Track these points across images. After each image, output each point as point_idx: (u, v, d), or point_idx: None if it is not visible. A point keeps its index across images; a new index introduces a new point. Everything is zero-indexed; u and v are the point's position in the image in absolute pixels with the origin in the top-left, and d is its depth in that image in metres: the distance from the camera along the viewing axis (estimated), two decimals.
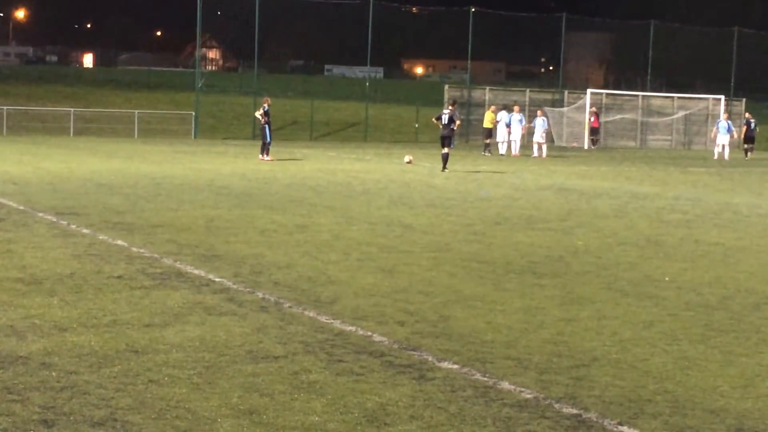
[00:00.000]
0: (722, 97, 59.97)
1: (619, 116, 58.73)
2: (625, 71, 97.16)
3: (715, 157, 47.45)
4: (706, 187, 28.44)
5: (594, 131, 54.05)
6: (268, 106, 34.76)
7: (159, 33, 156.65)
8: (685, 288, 11.66)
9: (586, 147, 53.49)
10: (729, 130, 47.79)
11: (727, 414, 6.88)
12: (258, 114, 35.09)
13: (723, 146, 47.26)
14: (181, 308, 9.62)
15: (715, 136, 48.29)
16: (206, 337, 8.49)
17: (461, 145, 49.72)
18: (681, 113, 60.30)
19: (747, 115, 49.62)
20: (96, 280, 10.93)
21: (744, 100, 62.52)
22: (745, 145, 48.88)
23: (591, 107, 54.25)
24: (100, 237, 14.20)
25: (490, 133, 44.41)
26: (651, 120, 59.44)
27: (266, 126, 33.97)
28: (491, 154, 43.16)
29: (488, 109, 45.90)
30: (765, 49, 71.42)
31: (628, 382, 7.56)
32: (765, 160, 45.14)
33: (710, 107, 60.60)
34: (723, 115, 50.25)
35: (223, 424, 6.32)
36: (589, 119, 53.78)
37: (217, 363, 7.71)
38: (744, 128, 49.04)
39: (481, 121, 55.09)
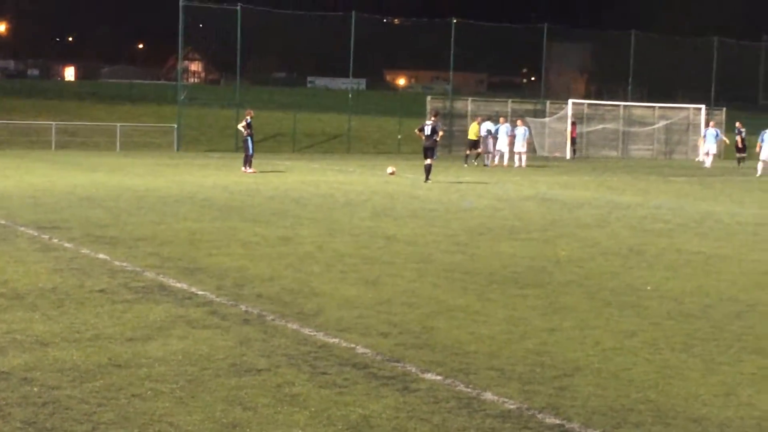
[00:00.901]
0: (703, 106, 60.25)
1: (600, 126, 58.92)
2: (606, 81, 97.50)
3: (707, 165, 47.69)
4: (687, 197, 28.55)
5: (572, 141, 54.32)
6: (251, 118, 34.76)
7: (141, 46, 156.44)
8: (667, 297, 11.70)
9: (568, 157, 53.66)
10: (717, 138, 48.10)
11: (709, 422, 6.91)
12: (240, 126, 35.07)
13: (711, 154, 47.58)
14: (164, 322, 9.60)
15: (702, 144, 48.61)
16: (189, 351, 8.48)
17: (444, 156, 49.77)
18: (662, 123, 60.53)
19: (738, 124, 49.73)
20: (78, 294, 10.90)
21: (724, 109, 62.80)
22: (738, 155, 48.88)
23: (571, 117, 54.51)
24: (83, 251, 14.16)
25: (476, 144, 44.39)
26: (632, 130, 59.64)
27: (249, 138, 33.96)
28: (477, 164, 43.17)
29: (474, 120, 45.87)
30: (745, 58, 71.89)
31: (611, 392, 7.59)
32: (751, 169, 45.28)
33: (691, 117, 60.85)
34: (711, 123, 50.43)
35: None
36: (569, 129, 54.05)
37: (200, 376, 7.70)
38: (738, 138, 48.99)
39: (465, 132, 55.32)
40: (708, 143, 48.32)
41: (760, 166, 42.41)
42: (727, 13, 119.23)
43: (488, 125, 44.58)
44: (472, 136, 44.53)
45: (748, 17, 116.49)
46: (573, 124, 54.63)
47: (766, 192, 31.53)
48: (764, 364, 8.59)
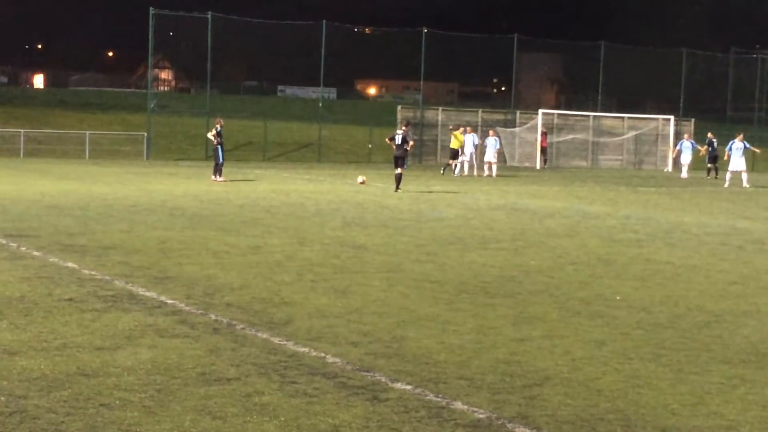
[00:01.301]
0: (672, 117, 60.67)
1: (570, 136, 59.22)
2: (576, 92, 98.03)
3: (684, 176, 48.10)
4: (656, 207, 28.71)
5: (543, 151, 54.57)
6: (221, 127, 34.73)
7: (111, 53, 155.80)
8: (636, 307, 11.75)
9: (538, 167, 53.89)
10: (693, 148, 48.57)
11: (677, 431, 6.95)
12: (210, 135, 35.00)
13: (686, 166, 48.05)
14: (133, 331, 9.55)
15: (678, 156, 49.02)
16: (158, 360, 8.43)
17: (415, 166, 49.85)
18: (631, 133, 60.90)
19: (710, 135, 50.14)
20: (46, 302, 10.82)
21: (693, 120, 63.26)
22: (709, 165, 49.17)
23: (541, 128, 54.79)
24: (51, 259, 14.06)
25: (456, 154, 44.34)
26: (602, 140, 59.97)
27: (219, 147, 33.93)
28: (459, 175, 43.13)
29: (456, 130, 45.80)
30: (713, 70, 72.44)
31: (580, 401, 7.61)
32: (720, 180, 45.65)
33: (660, 127, 61.26)
34: (686, 135, 50.77)
35: None
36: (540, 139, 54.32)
37: (169, 386, 7.66)
38: (706, 148, 49.36)
39: (435, 141, 55.42)
40: (684, 155, 48.85)
41: (728, 176, 42.81)
42: (696, 25, 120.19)
43: (473, 137, 44.76)
44: (454, 144, 44.43)
45: (716, 29, 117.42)
46: (544, 134, 54.89)
47: (734, 203, 31.76)
48: (732, 373, 8.64)
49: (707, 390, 8.07)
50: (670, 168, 58.26)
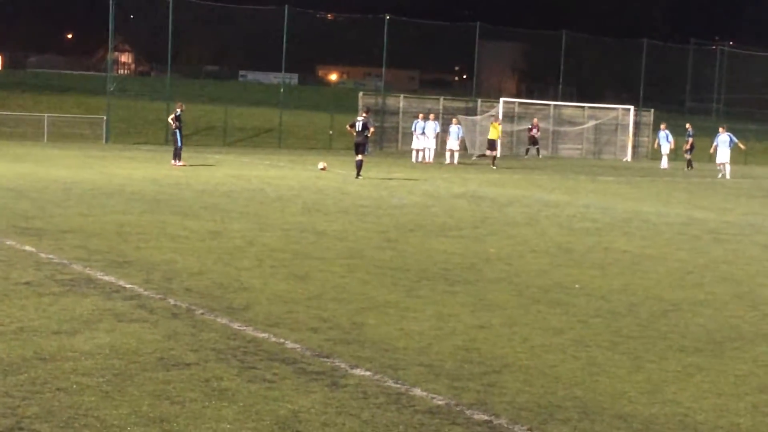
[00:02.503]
0: (631, 107, 61.02)
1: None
2: (537, 80, 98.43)
3: (665, 166, 48.36)
4: (615, 196, 28.89)
5: (533, 141, 54.91)
6: (181, 111, 34.52)
7: (70, 36, 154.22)
8: (595, 295, 11.84)
9: (498, 155, 54.00)
10: (668, 140, 48.70)
11: (634, 419, 7.00)
12: (170, 118, 34.76)
13: (665, 156, 48.25)
14: (91, 315, 9.48)
15: (659, 147, 49.22)
16: (116, 345, 8.39)
17: (375, 153, 49.83)
18: (591, 123, 61.16)
19: (688, 126, 50.35)
20: (3, 286, 10.72)
21: (652, 110, 63.66)
22: (687, 156, 49.10)
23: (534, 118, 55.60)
24: (8, 242, 13.93)
25: (494, 144, 44.25)
26: (562, 129, 60.19)
27: (177, 131, 33.74)
28: (496, 166, 42.97)
29: (494, 121, 45.64)
30: (672, 60, 72.92)
31: (538, 388, 7.65)
32: (705, 171, 46.04)
33: (620, 117, 61.57)
34: (662, 126, 50.37)
35: None
36: (529, 128, 54.77)
37: (127, 370, 7.62)
38: (690, 140, 49.06)
39: (396, 128, 55.42)
40: (663, 146, 48.99)
41: (720, 168, 43.39)
42: (656, 15, 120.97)
43: (435, 125, 44.92)
44: (492, 135, 44.27)
45: (676, 20, 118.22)
46: (535, 126, 55.11)
47: (692, 193, 32.04)
48: (688, 361, 8.73)
49: (664, 378, 8.15)
50: (629, 158, 58.65)
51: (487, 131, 56.46)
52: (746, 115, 76.88)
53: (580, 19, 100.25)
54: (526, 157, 54.05)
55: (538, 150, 54.81)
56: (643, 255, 15.75)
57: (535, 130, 54.49)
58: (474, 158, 43.22)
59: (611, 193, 29.98)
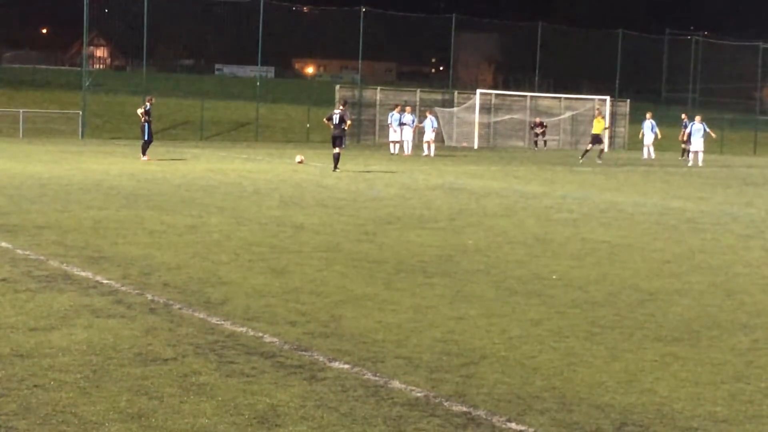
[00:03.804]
0: (608, 98, 61.22)
1: (508, 116, 59.51)
2: (513, 72, 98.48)
3: (645, 157, 48.46)
4: (592, 187, 28.99)
5: (536, 134, 55.81)
6: (150, 104, 34.39)
7: (44, 30, 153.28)
8: (572, 285, 11.87)
9: (476, 147, 54.14)
10: (653, 130, 48.73)
11: (611, 409, 7.03)
12: (139, 111, 34.52)
13: (648, 147, 48.34)
14: (68, 311, 9.45)
15: (643, 137, 49.31)
16: (94, 340, 8.36)
17: (353, 145, 49.80)
18: (568, 114, 61.37)
19: (683, 116, 50.46)
20: None
21: (628, 101, 63.89)
22: (684, 146, 48.72)
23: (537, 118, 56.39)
24: None
25: (599, 139, 44.23)
26: (539, 120, 60.34)
27: (146, 125, 33.63)
28: (602, 160, 42.86)
29: (597, 115, 45.64)
30: (648, 51, 73.18)
31: (517, 379, 7.67)
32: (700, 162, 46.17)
33: (596, 108, 61.78)
34: (648, 115, 50.20)
35: (111, 429, 6.23)
36: (532, 124, 55.64)
37: (105, 366, 7.60)
38: (684, 131, 48.57)
39: (373, 121, 55.41)
40: (647, 136, 49.03)
41: (690, 156, 43.94)
42: (632, 6, 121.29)
43: (412, 117, 45.08)
44: (597, 130, 44.26)
45: (651, 11, 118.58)
46: (539, 124, 56.08)
47: (668, 182, 32.17)
48: (665, 351, 8.77)
49: (641, 367, 8.18)
50: (605, 148, 58.82)
51: (464, 123, 56.67)
52: (722, 104, 77.30)
53: (556, 10, 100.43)
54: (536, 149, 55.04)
55: (545, 142, 55.91)
56: (621, 245, 15.81)
57: (539, 128, 55.98)
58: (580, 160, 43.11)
59: (588, 184, 30.08)
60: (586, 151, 44.23)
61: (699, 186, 31.12)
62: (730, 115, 73.20)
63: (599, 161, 42.91)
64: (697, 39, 72.98)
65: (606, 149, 44.00)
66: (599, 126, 44.26)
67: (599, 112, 47.37)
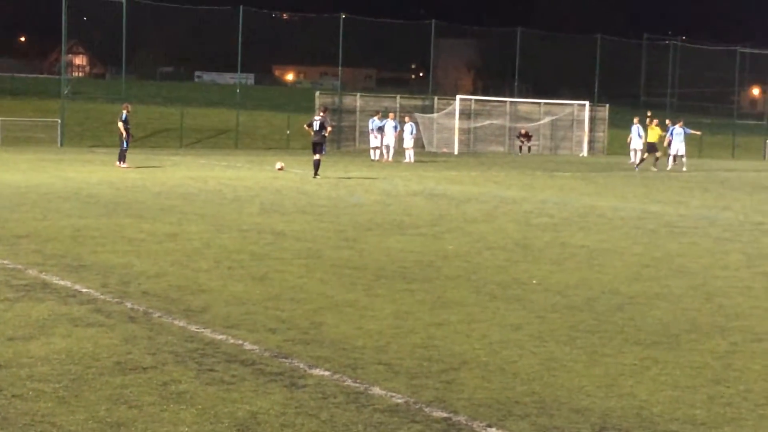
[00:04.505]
0: (587, 103, 61.43)
1: (487, 122, 59.61)
2: (493, 77, 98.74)
3: (632, 160, 48.49)
4: (572, 191, 29.07)
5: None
6: (127, 113, 34.41)
7: (23, 38, 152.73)
8: (552, 290, 11.90)
9: (456, 152, 54.21)
10: (639, 135, 48.77)
11: (591, 413, 7.05)
12: (119, 125, 34.54)
13: (636, 151, 48.32)
14: (47, 320, 9.41)
15: (630, 141, 49.36)
16: (73, 350, 8.33)
17: (333, 152, 49.79)
18: (547, 119, 61.52)
19: (668, 121, 50.52)
20: None
21: (607, 105, 64.10)
22: (670, 153, 49.01)
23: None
24: None
25: (655, 147, 44.15)
26: (518, 125, 60.48)
27: (125, 132, 33.79)
28: (657, 169, 42.77)
29: (650, 124, 45.54)
30: (626, 55, 73.52)
31: (497, 385, 7.68)
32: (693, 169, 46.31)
33: (575, 113, 62.00)
34: (635, 120, 50.12)
35: None
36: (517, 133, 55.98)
37: (84, 375, 7.57)
38: (669, 137, 48.82)
39: (353, 127, 55.45)
40: (634, 140, 49.08)
41: (670, 160, 44.14)
42: (610, 11, 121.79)
43: (374, 121, 45.07)
44: (653, 138, 44.20)
45: (629, 16, 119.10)
46: (526, 133, 56.55)
47: (648, 187, 32.30)
48: (644, 354, 8.80)
49: (620, 371, 8.21)
50: (585, 153, 59.09)
51: (445, 129, 56.76)
52: (700, 109, 77.69)
53: (535, 16, 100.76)
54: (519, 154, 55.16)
55: (529, 148, 56.09)
56: (600, 249, 15.86)
57: (524, 138, 56.42)
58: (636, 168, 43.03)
59: (568, 189, 30.16)
60: (642, 160, 44.42)
61: (677, 190, 31.26)
62: (709, 119, 73.59)
63: (654, 169, 42.91)
64: (675, 44, 73.32)
65: (658, 158, 43.95)
66: (654, 134, 44.40)
67: (652, 119, 47.15)
